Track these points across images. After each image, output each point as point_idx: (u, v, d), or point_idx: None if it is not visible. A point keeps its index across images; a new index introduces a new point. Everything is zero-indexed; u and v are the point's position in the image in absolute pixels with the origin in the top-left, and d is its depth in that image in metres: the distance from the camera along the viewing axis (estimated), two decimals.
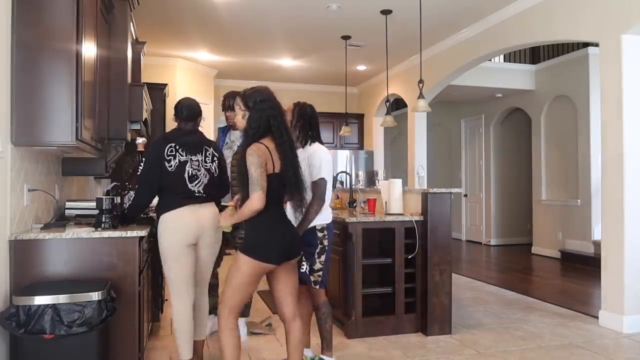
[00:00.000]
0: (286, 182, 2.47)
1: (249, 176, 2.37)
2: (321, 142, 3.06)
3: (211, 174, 2.97)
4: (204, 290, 3.11)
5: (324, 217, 2.99)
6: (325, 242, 3.00)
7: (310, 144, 3.02)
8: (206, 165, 2.96)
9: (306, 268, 2.95)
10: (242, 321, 3.76)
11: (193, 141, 2.97)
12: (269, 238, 2.45)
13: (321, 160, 2.91)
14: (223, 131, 3.91)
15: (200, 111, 3.09)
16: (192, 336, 2.99)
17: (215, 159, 3.03)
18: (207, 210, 2.92)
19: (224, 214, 2.57)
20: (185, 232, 2.83)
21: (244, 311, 3.77)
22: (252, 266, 2.42)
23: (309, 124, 3.03)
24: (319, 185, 2.89)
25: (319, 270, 2.99)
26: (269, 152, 2.41)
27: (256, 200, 2.34)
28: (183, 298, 2.90)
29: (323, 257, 3.00)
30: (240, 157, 2.44)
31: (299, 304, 2.84)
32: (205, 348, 3.37)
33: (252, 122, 2.43)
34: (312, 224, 2.93)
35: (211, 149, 3.04)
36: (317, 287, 3.02)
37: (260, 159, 2.35)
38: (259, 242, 2.44)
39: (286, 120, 2.55)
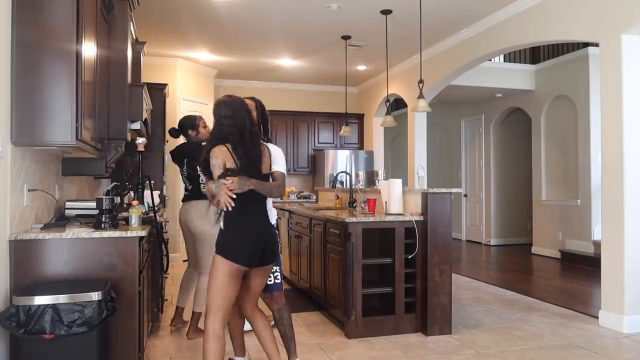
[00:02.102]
0: (247, 173, 2.54)
1: (214, 176, 2.52)
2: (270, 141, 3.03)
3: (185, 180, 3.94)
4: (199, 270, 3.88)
5: (272, 215, 2.86)
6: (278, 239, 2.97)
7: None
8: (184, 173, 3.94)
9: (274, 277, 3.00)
10: None
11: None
12: (239, 240, 2.52)
13: (281, 157, 2.87)
14: None
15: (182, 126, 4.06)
16: None
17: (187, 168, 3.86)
18: (187, 206, 3.89)
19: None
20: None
21: None
22: (227, 267, 2.48)
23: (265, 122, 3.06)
24: (281, 176, 2.79)
25: (277, 271, 3.01)
26: (229, 151, 2.53)
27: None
28: None
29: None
30: (204, 159, 2.58)
31: (233, 316, 2.85)
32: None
33: (213, 133, 2.62)
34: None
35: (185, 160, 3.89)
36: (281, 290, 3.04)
37: (219, 160, 2.50)
38: (233, 244, 2.51)
39: (248, 132, 2.60)
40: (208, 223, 3.76)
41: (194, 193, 3.87)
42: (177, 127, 4.13)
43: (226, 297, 2.51)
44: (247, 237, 2.54)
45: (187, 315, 4.07)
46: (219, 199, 2.48)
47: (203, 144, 3.83)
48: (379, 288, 4.02)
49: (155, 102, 5.94)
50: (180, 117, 4.36)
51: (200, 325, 4.15)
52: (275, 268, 2.96)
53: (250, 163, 2.58)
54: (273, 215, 2.81)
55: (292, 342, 3.06)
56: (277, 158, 2.78)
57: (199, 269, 3.88)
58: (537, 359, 3.41)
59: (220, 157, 2.50)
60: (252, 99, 3.03)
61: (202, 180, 2.81)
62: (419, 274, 3.96)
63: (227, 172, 2.48)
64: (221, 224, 2.60)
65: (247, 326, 3.70)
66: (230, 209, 2.46)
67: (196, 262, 3.95)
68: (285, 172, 2.80)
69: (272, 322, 4.05)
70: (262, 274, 2.70)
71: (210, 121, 4.18)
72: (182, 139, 4.16)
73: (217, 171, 2.49)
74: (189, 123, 4.04)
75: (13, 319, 2.25)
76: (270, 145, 2.83)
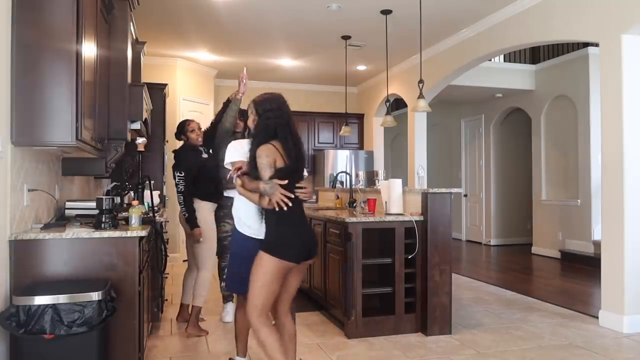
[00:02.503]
0: (293, 175, 2.55)
1: (261, 177, 2.48)
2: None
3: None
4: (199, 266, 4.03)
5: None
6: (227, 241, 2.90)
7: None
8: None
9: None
10: (230, 305, 4.28)
11: None
12: (291, 238, 2.52)
13: None
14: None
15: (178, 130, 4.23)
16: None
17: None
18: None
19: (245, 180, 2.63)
20: None
21: (229, 296, 4.30)
22: (276, 265, 2.47)
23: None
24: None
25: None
26: (277, 150, 2.52)
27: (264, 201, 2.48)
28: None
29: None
30: (251, 157, 2.55)
31: (244, 317, 2.79)
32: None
33: (259, 129, 2.58)
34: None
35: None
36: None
37: (269, 159, 2.48)
38: (282, 242, 2.50)
39: (293, 127, 2.62)
40: (204, 221, 3.98)
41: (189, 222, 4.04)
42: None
43: (273, 294, 2.52)
44: (299, 235, 2.54)
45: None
46: (270, 199, 2.47)
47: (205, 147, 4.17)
48: (379, 288, 4.02)
49: (155, 102, 5.94)
50: (180, 118, 4.48)
51: (205, 317, 4.22)
52: None
53: (299, 160, 2.58)
54: (238, 209, 2.81)
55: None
56: None
57: (198, 264, 4.04)
58: (537, 359, 3.41)
59: (271, 155, 2.48)
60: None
61: (230, 176, 2.72)
62: (419, 274, 3.96)
63: (277, 174, 2.46)
64: (262, 223, 2.58)
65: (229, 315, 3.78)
66: (285, 209, 2.45)
67: (194, 259, 4.13)
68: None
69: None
70: (302, 270, 2.69)
71: (203, 123, 4.27)
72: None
73: (267, 171, 2.46)
74: (179, 129, 4.22)
75: (13, 319, 2.25)
76: None
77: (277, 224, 2.52)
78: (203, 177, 4.01)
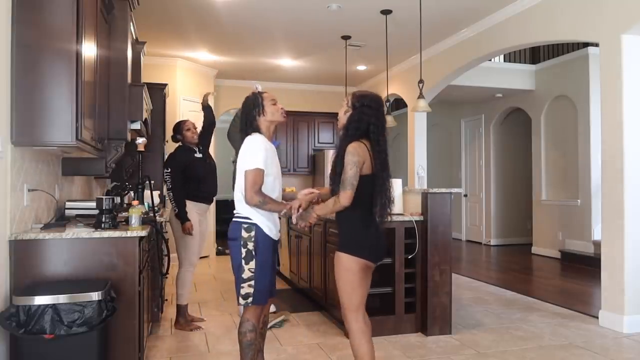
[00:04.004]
0: (376, 185, 2.47)
1: (344, 173, 2.39)
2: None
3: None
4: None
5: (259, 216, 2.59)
6: (251, 246, 2.55)
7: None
8: None
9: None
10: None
11: None
12: (370, 238, 2.49)
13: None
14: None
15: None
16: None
17: None
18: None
19: (318, 208, 2.57)
20: None
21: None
22: (359, 264, 2.45)
23: None
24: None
25: (249, 280, 2.55)
26: (368, 152, 2.44)
27: (346, 199, 2.39)
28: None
29: (252, 264, 2.55)
30: (338, 153, 2.47)
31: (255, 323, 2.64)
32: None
33: (352, 121, 2.49)
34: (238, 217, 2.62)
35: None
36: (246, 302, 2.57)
37: (360, 158, 2.39)
38: (363, 242, 2.48)
39: (385, 132, 2.53)
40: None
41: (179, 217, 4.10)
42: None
43: (363, 294, 2.51)
44: (375, 236, 2.51)
45: (190, 310, 4.24)
46: (299, 221, 2.54)
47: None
48: (378, 288, 4.01)
49: (155, 102, 5.94)
50: (180, 118, 4.52)
51: (205, 317, 4.22)
52: None
53: (383, 168, 2.46)
54: (259, 213, 2.60)
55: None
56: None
57: (179, 262, 4.16)
58: (537, 359, 3.41)
59: (362, 156, 2.40)
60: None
61: (286, 214, 2.58)
62: (419, 274, 3.96)
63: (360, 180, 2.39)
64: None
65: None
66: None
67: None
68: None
69: (278, 320, 4.09)
70: (373, 271, 2.61)
71: (198, 124, 4.32)
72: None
73: (353, 170, 2.36)
74: (176, 128, 4.29)
75: (13, 319, 2.25)
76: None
77: (352, 226, 2.50)
78: (190, 176, 4.07)
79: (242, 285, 2.55)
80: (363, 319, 2.52)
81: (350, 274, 2.46)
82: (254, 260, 2.53)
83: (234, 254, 2.57)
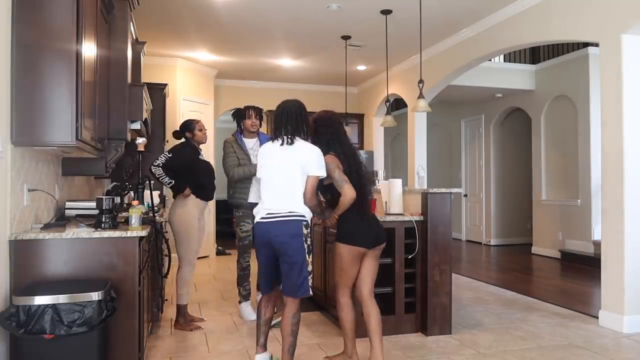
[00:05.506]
0: (351, 182, 2.93)
1: (333, 179, 2.91)
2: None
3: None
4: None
5: (307, 211, 2.90)
6: (309, 242, 2.85)
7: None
8: None
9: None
10: (246, 304, 4.37)
11: None
12: (359, 227, 2.98)
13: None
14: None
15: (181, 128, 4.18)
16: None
17: None
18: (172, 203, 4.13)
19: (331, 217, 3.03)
20: None
21: (247, 296, 4.40)
22: (350, 251, 2.97)
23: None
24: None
25: (310, 273, 2.86)
26: (338, 159, 2.96)
27: (349, 190, 2.88)
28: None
29: (311, 257, 2.86)
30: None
31: (268, 308, 3.07)
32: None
33: (316, 142, 2.97)
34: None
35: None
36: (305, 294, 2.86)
37: (334, 165, 2.92)
38: (352, 232, 2.97)
39: (344, 137, 3.08)
40: (181, 219, 4.00)
41: (174, 189, 4.05)
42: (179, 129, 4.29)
43: (350, 276, 3.03)
44: (363, 225, 2.99)
45: (190, 310, 4.25)
46: (324, 219, 3.09)
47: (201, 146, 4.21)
48: (379, 288, 4.00)
49: (155, 102, 5.95)
50: (181, 118, 4.49)
51: (204, 317, 4.21)
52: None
53: (352, 167, 3.02)
54: (308, 212, 2.89)
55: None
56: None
57: (179, 261, 4.10)
58: (537, 359, 3.41)
59: (334, 162, 2.93)
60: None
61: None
62: (419, 274, 3.96)
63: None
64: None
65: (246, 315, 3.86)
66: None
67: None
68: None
69: (278, 320, 4.10)
70: (377, 255, 3.08)
71: (210, 121, 4.29)
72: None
73: (335, 172, 2.92)
74: (187, 126, 4.18)
75: (13, 319, 2.25)
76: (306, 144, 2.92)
77: (344, 219, 2.97)
78: (197, 172, 4.04)
79: (308, 278, 2.84)
80: (349, 294, 3.06)
81: (340, 258, 3.01)
82: (312, 254, 2.90)
83: (297, 249, 2.79)
